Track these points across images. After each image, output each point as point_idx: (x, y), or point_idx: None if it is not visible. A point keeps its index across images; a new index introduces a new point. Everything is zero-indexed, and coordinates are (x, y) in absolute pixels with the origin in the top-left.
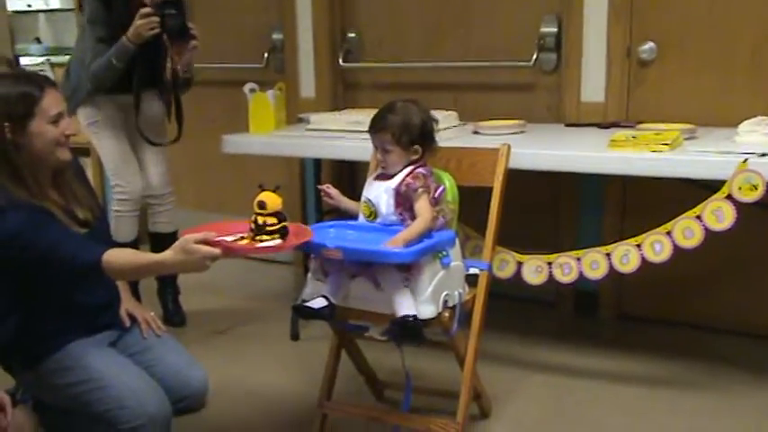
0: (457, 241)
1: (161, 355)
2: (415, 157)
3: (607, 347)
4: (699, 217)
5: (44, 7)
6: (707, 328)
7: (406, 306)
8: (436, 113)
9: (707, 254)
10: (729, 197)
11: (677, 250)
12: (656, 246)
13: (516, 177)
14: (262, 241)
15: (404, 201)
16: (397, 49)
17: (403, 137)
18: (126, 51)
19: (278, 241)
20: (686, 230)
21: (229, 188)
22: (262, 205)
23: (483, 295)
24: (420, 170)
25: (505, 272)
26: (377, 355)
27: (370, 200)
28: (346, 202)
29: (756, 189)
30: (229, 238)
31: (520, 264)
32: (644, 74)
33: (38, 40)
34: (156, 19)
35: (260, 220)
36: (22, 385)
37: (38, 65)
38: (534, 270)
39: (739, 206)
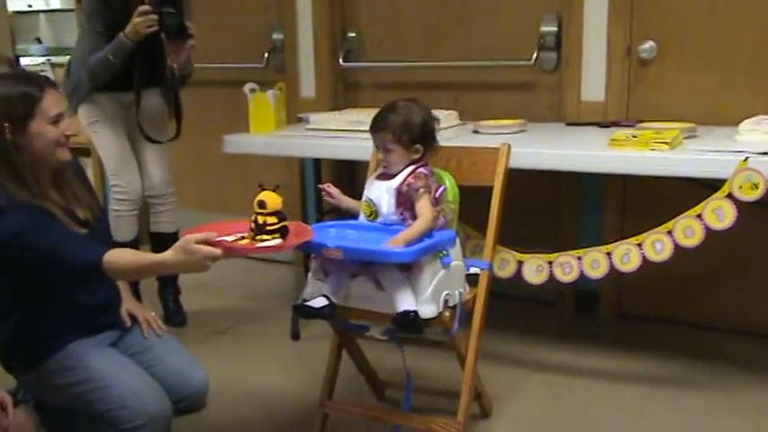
0: (457, 241)
1: (162, 355)
2: (416, 156)
3: (607, 346)
4: (699, 216)
5: (45, 7)
6: (707, 327)
7: (406, 302)
8: (437, 113)
9: (707, 253)
10: (730, 196)
11: (678, 249)
12: (657, 245)
13: (517, 176)
14: (262, 241)
15: (405, 200)
16: (397, 48)
17: (404, 136)
18: (123, 48)
19: (278, 241)
20: (687, 229)
21: (230, 188)
22: (262, 205)
23: (483, 295)
24: (421, 170)
25: (506, 271)
26: (378, 354)
27: (371, 199)
28: (347, 201)
29: (757, 188)
30: (230, 238)
31: (520, 263)
32: (644, 73)
33: (38, 41)
34: (154, 17)
35: (260, 219)
36: (24, 385)
37: (38, 65)
38: (535, 269)
39: (740, 205)
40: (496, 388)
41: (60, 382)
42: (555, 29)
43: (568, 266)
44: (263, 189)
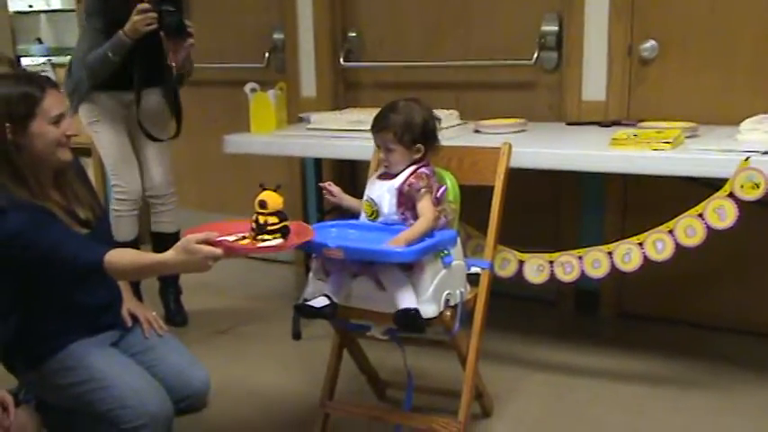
0: (458, 240)
1: (163, 355)
2: (417, 156)
3: (608, 346)
4: (701, 215)
5: (45, 8)
6: (708, 326)
7: (407, 300)
8: (438, 112)
9: (708, 252)
10: (731, 195)
11: (679, 249)
12: (658, 244)
13: (517, 176)
14: (263, 241)
15: (406, 200)
16: (397, 48)
17: (405, 136)
18: (122, 45)
19: (279, 241)
20: (688, 229)
21: (230, 188)
22: (263, 205)
23: (484, 294)
24: (423, 170)
25: (507, 271)
26: (379, 354)
27: (372, 199)
28: (348, 200)
29: (758, 187)
30: (231, 238)
31: (521, 263)
32: (645, 72)
33: (39, 41)
34: (154, 15)
35: (261, 219)
36: (25, 385)
37: (39, 65)
38: (536, 269)
39: (741, 204)
40: (497, 387)
41: (61, 382)
42: (556, 28)
43: (569, 266)
44: (264, 189)
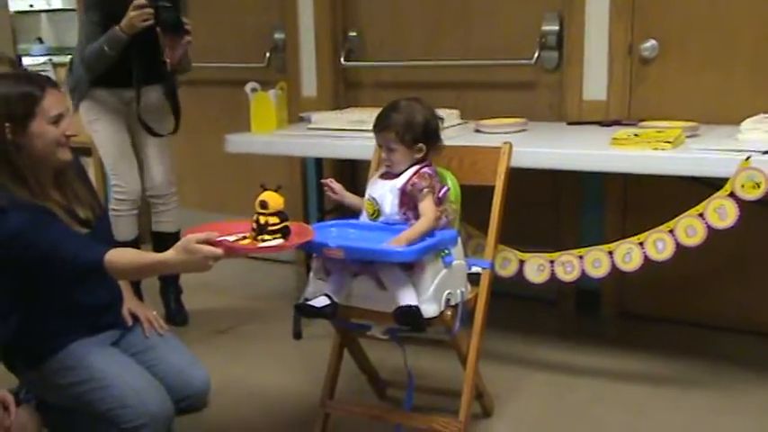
0: (459, 240)
1: (163, 355)
2: (419, 155)
3: (609, 346)
4: (701, 215)
5: (46, 7)
6: (709, 326)
7: (408, 299)
8: (439, 112)
9: (709, 252)
10: (732, 195)
11: (680, 248)
12: (658, 244)
13: (518, 176)
14: (264, 241)
15: (409, 200)
16: (398, 47)
17: (406, 135)
18: (118, 40)
19: (280, 241)
20: (689, 228)
21: (231, 188)
22: (264, 205)
23: (485, 294)
24: (426, 170)
25: (507, 270)
26: (379, 354)
27: (374, 198)
28: (350, 198)
29: (759, 187)
30: (231, 238)
31: (522, 262)
32: (646, 72)
33: (40, 40)
34: (150, 11)
35: (262, 219)
36: (26, 385)
37: (40, 65)
38: (536, 268)
39: (742, 204)
40: (498, 387)
41: (62, 381)
42: (556, 28)
43: (570, 266)
44: (265, 189)
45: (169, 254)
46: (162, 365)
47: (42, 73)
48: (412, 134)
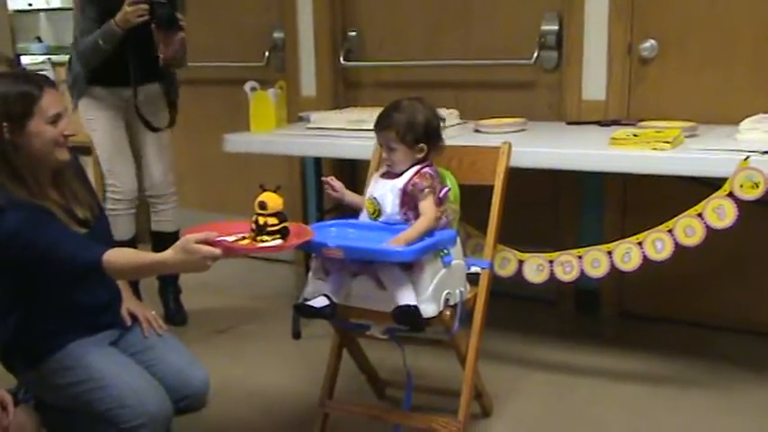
0: (458, 240)
1: (162, 355)
2: (420, 155)
3: (608, 345)
4: (700, 215)
5: (45, 6)
6: (708, 325)
7: (407, 298)
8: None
9: (708, 252)
10: (731, 195)
11: (679, 248)
12: (657, 244)
13: (517, 175)
14: (263, 241)
15: (410, 200)
16: (397, 47)
17: (407, 135)
18: (113, 35)
19: (279, 241)
20: (688, 228)
21: (230, 187)
22: (263, 206)
23: (484, 294)
24: (427, 170)
25: (507, 270)
26: (378, 353)
27: (375, 198)
28: (350, 196)
29: (758, 187)
30: (230, 238)
31: (521, 262)
32: (645, 71)
33: (39, 39)
34: (145, 6)
35: (261, 220)
36: (24, 385)
37: (39, 64)
38: (535, 268)
39: (741, 204)
40: (497, 387)
41: (60, 381)
42: (556, 27)
43: (569, 265)
44: (264, 190)
45: (168, 254)
46: (161, 365)
47: (41, 72)
48: (413, 134)
